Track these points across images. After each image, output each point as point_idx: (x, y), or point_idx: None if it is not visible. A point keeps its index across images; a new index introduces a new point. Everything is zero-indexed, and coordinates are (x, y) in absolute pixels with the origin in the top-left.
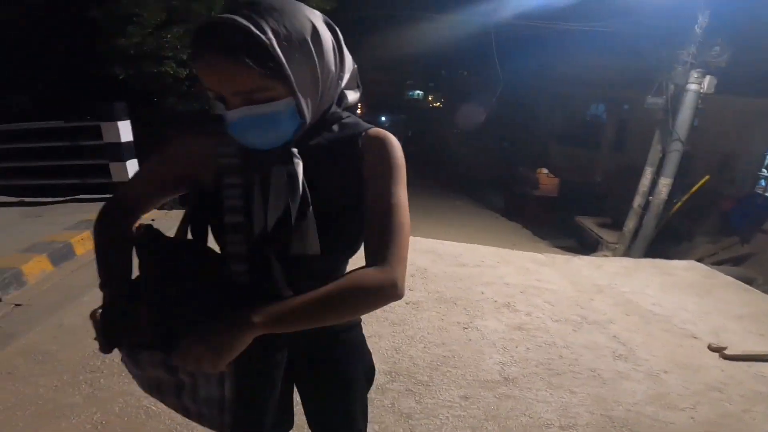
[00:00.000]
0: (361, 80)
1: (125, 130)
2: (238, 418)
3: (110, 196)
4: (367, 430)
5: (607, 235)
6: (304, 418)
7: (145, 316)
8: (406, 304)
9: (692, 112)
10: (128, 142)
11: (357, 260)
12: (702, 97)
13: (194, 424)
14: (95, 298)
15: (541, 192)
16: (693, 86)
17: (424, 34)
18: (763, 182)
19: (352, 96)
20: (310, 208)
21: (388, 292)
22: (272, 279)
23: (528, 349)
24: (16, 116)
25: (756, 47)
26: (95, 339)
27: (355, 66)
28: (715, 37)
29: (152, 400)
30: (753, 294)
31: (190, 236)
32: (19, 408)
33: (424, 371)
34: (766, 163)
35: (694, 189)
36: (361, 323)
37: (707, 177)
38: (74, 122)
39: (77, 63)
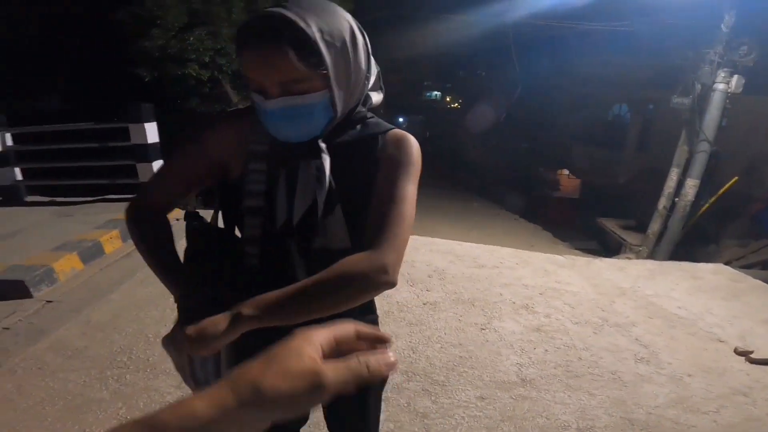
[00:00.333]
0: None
1: (152, 132)
2: None
3: (133, 196)
4: (383, 428)
5: (630, 238)
6: (319, 414)
7: (229, 298)
8: (424, 304)
9: (720, 112)
10: (154, 143)
11: None
12: (729, 97)
13: None
14: (123, 295)
15: (562, 193)
16: (720, 86)
17: (442, 35)
18: None
19: (376, 97)
20: (338, 204)
21: (377, 276)
22: (290, 271)
23: (546, 350)
24: (47, 118)
25: None
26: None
27: (379, 69)
28: (742, 37)
29: (176, 394)
30: None
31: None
32: (49, 402)
33: (441, 371)
34: None
35: (722, 191)
36: (378, 321)
37: (736, 178)
38: (103, 124)
39: (104, 66)
